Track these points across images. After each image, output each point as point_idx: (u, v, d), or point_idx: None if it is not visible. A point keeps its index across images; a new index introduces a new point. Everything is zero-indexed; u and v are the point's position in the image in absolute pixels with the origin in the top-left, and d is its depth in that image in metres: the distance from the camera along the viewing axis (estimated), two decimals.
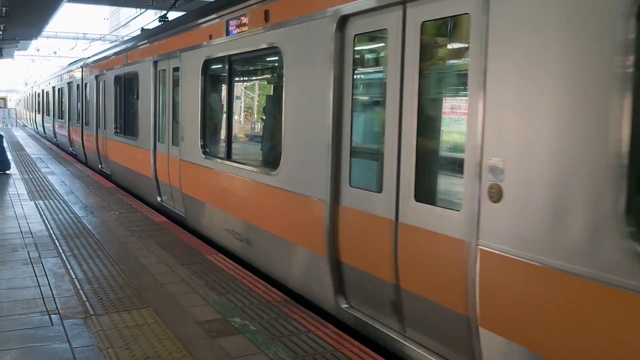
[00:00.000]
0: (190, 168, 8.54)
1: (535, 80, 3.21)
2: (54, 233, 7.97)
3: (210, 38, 7.70)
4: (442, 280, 3.94)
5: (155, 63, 10.24)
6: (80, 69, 17.94)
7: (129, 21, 28.65)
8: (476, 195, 3.57)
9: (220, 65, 7.77)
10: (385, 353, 4.51)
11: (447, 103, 4.17)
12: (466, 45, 3.80)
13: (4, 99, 50.04)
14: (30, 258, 6.71)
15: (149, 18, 25.59)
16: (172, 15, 13.17)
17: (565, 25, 3.08)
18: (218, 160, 7.59)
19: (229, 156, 7.38)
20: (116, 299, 5.38)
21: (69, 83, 20.33)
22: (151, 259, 6.77)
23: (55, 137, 24.92)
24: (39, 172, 14.92)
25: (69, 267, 6.35)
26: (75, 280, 5.92)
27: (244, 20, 6.71)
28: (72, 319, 4.88)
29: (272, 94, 7.28)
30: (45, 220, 8.79)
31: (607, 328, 2.86)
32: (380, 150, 4.56)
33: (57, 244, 7.36)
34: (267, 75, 7.78)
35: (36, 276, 6.03)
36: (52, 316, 4.93)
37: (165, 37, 9.78)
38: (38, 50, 49.18)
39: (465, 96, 3.75)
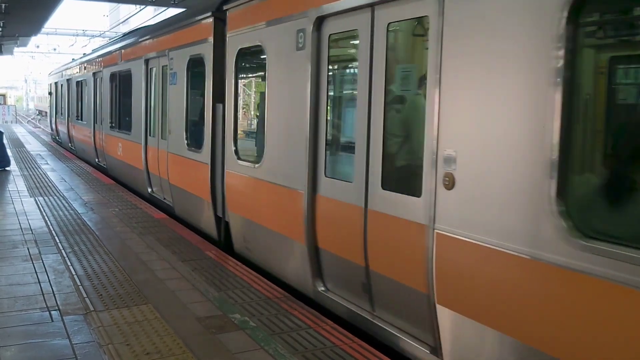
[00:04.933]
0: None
1: None
2: (54, 229, 7.98)
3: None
4: None
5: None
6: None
7: (129, 17, 28.62)
8: None
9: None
10: (386, 349, 4.52)
11: None
12: None
13: (4, 96, 50.02)
14: (30, 254, 6.72)
15: (149, 15, 25.56)
16: (172, 12, 13.09)
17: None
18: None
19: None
20: (116, 295, 5.39)
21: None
22: (151, 256, 6.78)
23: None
24: (38, 169, 14.92)
25: (69, 264, 6.36)
26: (75, 276, 5.93)
27: None
28: (72, 315, 4.89)
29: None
30: (45, 217, 8.80)
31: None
32: None
33: (57, 240, 7.36)
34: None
35: (36, 272, 6.04)
36: (53, 312, 4.94)
37: None
38: (38, 46, 49.16)
39: None
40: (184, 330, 4.62)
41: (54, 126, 26.02)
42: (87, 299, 5.26)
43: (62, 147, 21.99)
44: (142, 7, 22.29)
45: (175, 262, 6.54)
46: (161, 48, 9.84)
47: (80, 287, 5.60)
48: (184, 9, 13.31)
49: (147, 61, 10.62)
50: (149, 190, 10.76)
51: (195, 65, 8.45)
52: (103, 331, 4.56)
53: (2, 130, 15.30)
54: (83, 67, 17.73)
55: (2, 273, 5.98)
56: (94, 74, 15.66)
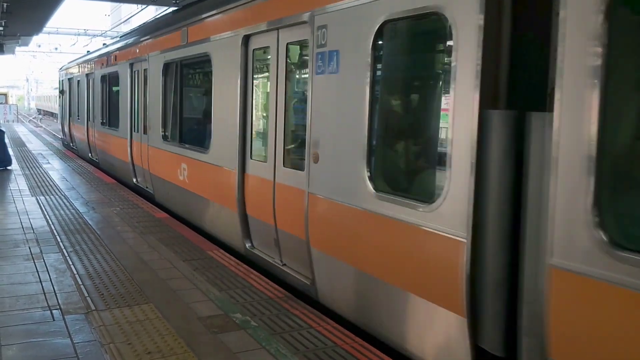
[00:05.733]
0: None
1: None
2: (55, 229, 7.98)
3: None
4: None
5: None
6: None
7: (130, 17, 28.64)
8: None
9: None
10: (387, 350, 4.51)
11: None
12: None
13: (5, 95, 50.08)
14: (31, 253, 6.72)
15: (150, 14, 25.61)
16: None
17: None
18: None
19: None
20: (117, 295, 5.39)
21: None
22: (152, 255, 6.78)
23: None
24: (40, 168, 14.93)
25: (71, 263, 6.36)
26: (76, 275, 5.93)
27: None
28: (73, 314, 4.90)
29: None
30: (47, 216, 8.80)
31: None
32: None
33: (59, 240, 7.37)
34: None
35: (38, 272, 6.04)
36: (54, 311, 4.95)
37: None
38: (39, 46, 49.23)
39: None
40: (185, 329, 4.62)
41: (66, 130, 21.51)
42: (88, 298, 5.26)
43: (79, 155, 18.49)
44: (144, 6, 22.31)
45: (177, 261, 6.54)
46: (286, 13, 5.82)
47: (82, 286, 5.61)
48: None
49: (247, 39, 6.73)
50: (248, 244, 6.83)
51: (396, 36, 4.68)
52: (104, 330, 4.56)
53: (4, 130, 15.32)
54: (112, 58, 13.67)
55: (4, 272, 5.99)
56: (131, 64, 11.90)
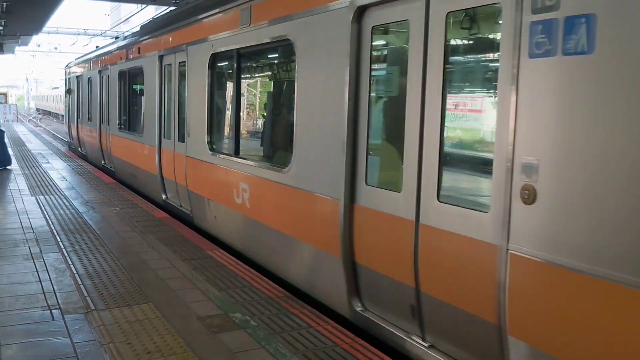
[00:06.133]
0: None
1: None
2: (55, 228, 7.98)
3: None
4: None
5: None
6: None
7: (130, 17, 28.65)
8: None
9: None
10: (387, 350, 4.52)
11: None
12: None
13: (5, 95, 50.08)
14: (31, 253, 6.72)
15: (150, 14, 25.60)
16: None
17: None
18: None
19: None
20: (117, 294, 5.39)
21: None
22: (152, 255, 6.78)
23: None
24: (39, 168, 14.93)
25: (70, 262, 6.36)
26: (76, 275, 5.93)
27: None
28: (73, 314, 4.89)
29: None
30: (46, 216, 8.80)
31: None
32: None
33: (58, 239, 7.36)
34: None
35: (37, 271, 6.04)
36: (54, 311, 4.95)
37: None
38: (39, 45, 49.24)
39: None
40: (185, 329, 4.62)
41: (73, 133, 19.39)
42: (88, 298, 5.26)
43: (89, 161, 16.75)
44: (144, 6, 22.31)
45: (176, 261, 6.54)
46: None
47: (81, 285, 5.61)
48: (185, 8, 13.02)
49: (361, 12, 4.68)
50: (358, 306, 4.88)
51: None
52: (104, 330, 4.56)
53: (4, 129, 15.32)
54: (135, 50, 11.44)
55: (4, 272, 5.98)
56: (160, 57, 9.74)
